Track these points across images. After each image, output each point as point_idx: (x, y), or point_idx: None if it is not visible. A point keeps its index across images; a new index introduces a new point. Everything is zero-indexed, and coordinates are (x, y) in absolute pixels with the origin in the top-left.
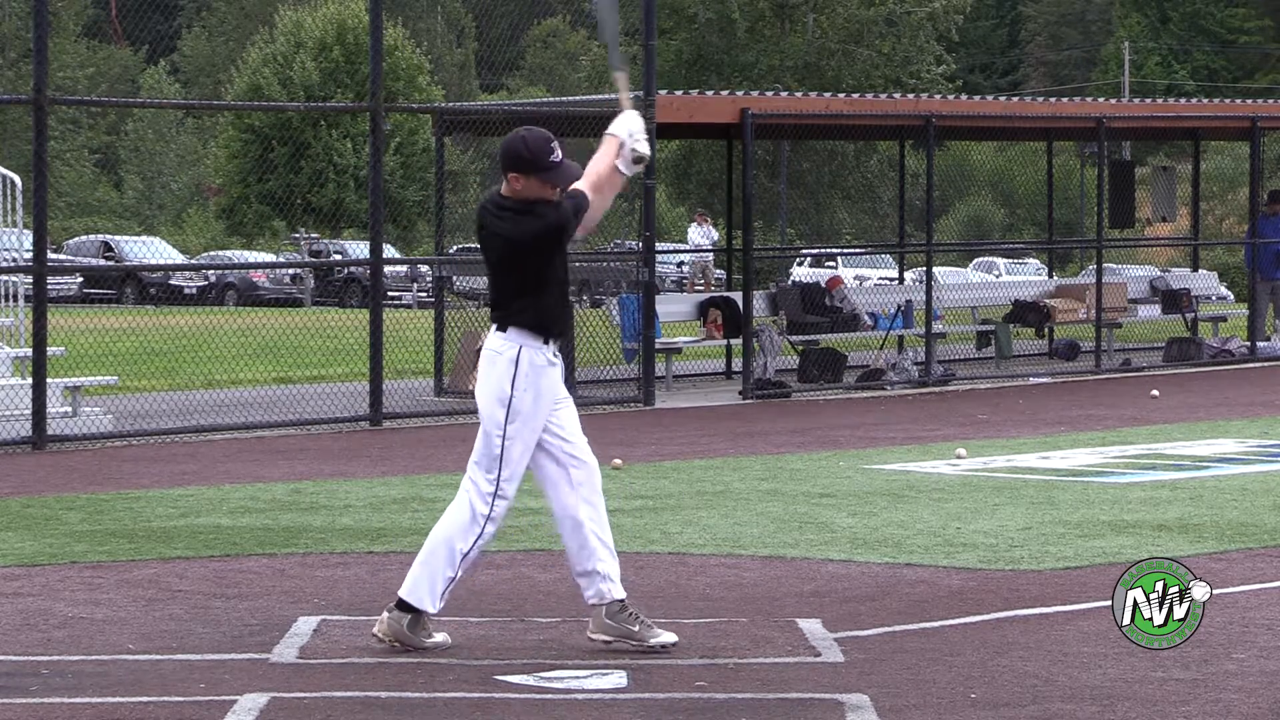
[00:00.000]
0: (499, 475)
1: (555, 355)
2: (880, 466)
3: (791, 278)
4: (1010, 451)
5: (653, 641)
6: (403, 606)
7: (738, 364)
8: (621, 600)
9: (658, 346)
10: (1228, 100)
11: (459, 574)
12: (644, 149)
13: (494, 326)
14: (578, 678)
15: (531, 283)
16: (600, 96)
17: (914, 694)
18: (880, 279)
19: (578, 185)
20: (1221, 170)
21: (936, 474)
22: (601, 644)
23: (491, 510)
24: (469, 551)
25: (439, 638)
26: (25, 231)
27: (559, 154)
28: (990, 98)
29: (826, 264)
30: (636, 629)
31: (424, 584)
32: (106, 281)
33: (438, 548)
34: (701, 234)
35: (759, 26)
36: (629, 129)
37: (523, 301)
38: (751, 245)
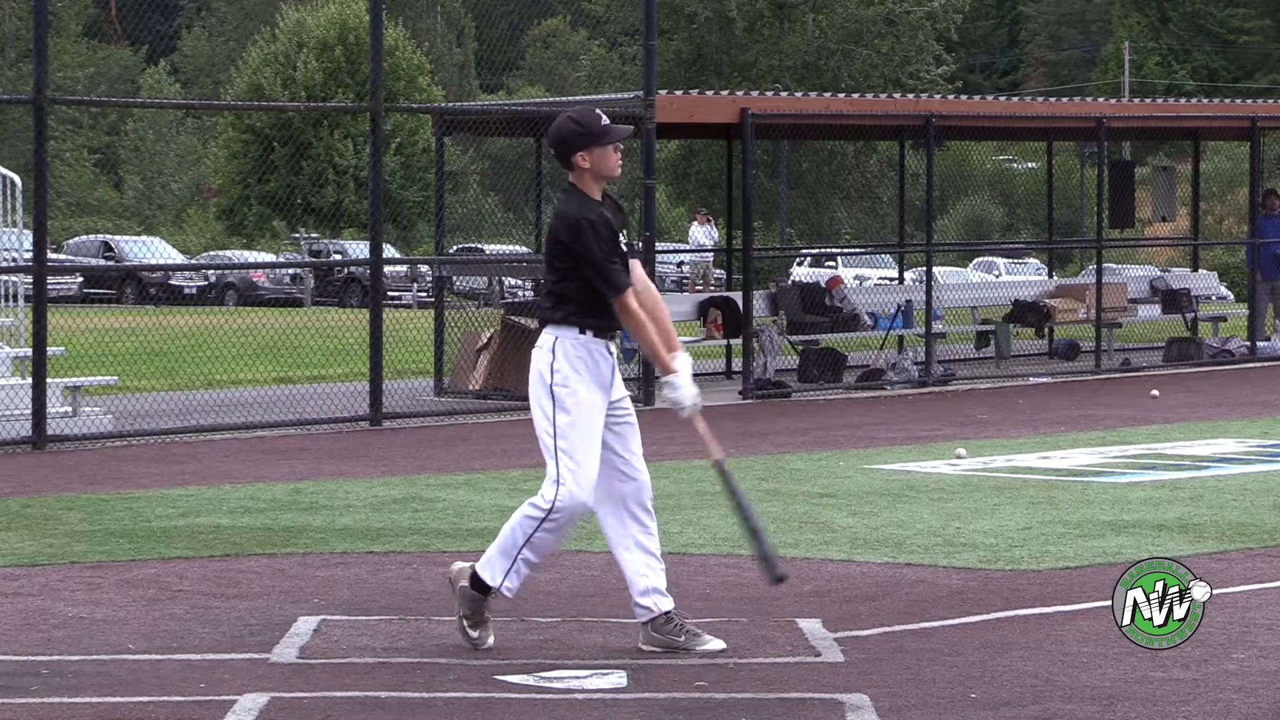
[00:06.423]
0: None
1: (602, 349)
2: (880, 466)
3: (791, 278)
4: (1010, 451)
5: (699, 649)
6: (475, 581)
7: (738, 364)
8: (667, 612)
9: None
10: (1228, 100)
11: (514, 561)
12: (673, 396)
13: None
14: (578, 678)
15: (556, 276)
16: (600, 96)
17: (914, 694)
18: (880, 279)
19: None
20: (1221, 170)
21: (936, 474)
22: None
23: (553, 498)
24: (526, 540)
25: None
26: (25, 231)
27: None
28: (990, 98)
29: (826, 264)
30: (682, 639)
31: (491, 565)
32: (106, 281)
33: (503, 534)
34: (704, 233)
35: (758, 26)
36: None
37: (553, 295)
38: (751, 245)
